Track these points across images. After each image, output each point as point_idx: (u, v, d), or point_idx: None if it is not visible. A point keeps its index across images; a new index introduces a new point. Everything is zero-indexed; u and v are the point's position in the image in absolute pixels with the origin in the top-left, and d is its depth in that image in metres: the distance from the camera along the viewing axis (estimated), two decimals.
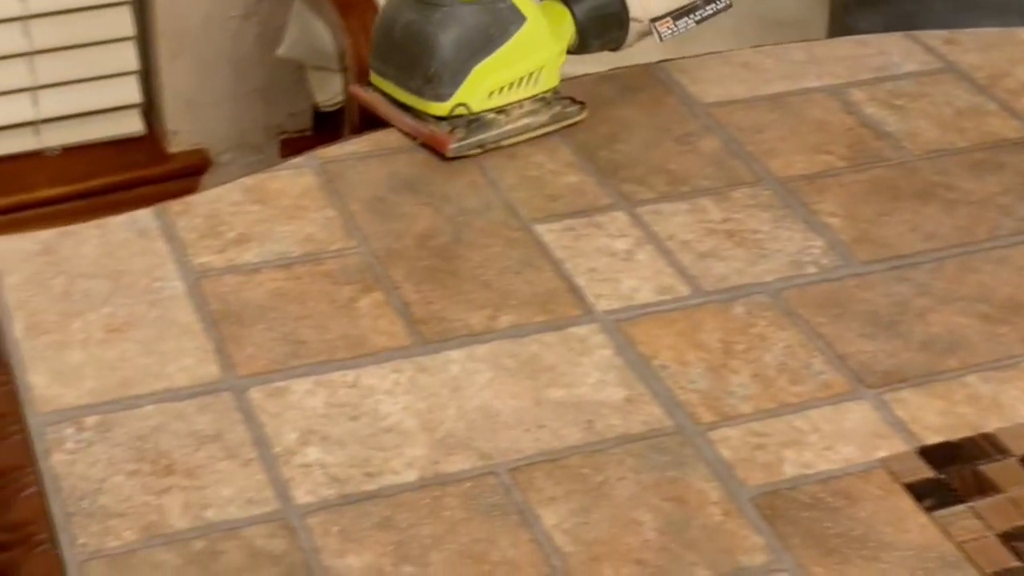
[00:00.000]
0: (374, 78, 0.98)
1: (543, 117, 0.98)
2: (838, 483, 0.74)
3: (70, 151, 1.84)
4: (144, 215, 0.91)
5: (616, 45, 1.02)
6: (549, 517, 0.72)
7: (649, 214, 0.92)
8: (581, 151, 0.97)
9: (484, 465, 0.74)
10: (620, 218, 0.91)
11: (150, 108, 1.87)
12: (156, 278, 0.85)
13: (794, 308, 0.85)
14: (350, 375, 0.79)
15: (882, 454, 0.75)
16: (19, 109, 1.80)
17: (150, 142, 1.87)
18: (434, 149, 0.95)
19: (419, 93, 0.95)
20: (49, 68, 1.79)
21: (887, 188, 0.94)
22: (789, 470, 0.74)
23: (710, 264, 0.88)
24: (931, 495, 0.73)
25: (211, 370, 0.79)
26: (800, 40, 1.12)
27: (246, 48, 1.82)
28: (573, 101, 0.99)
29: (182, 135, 1.86)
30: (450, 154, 0.95)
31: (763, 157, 0.97)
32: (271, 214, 0.91)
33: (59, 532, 0.70)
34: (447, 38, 0.94)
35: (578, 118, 0.99)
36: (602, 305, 0.84)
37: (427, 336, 0.82)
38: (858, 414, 0.78)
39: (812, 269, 0.88)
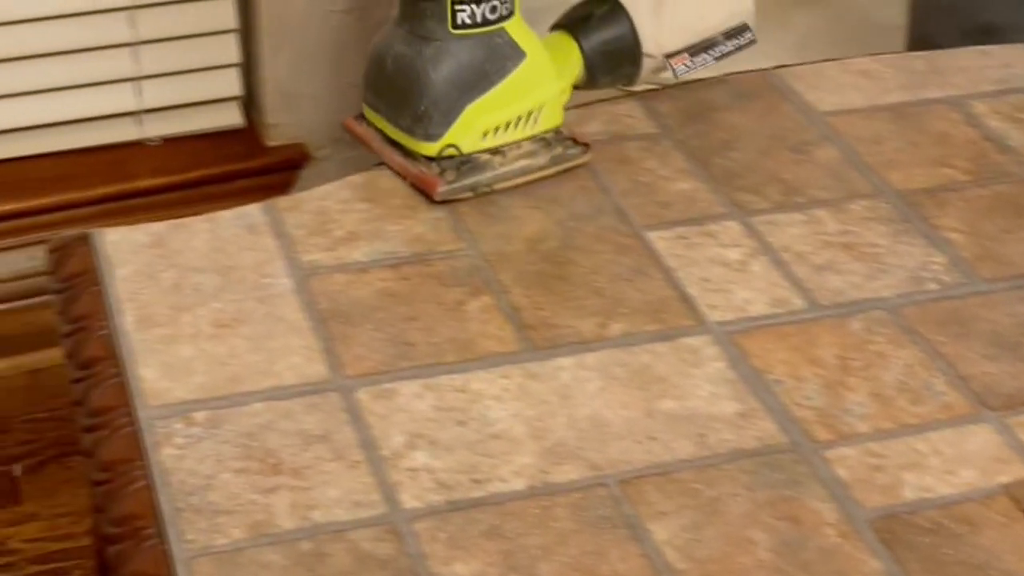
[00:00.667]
0: (367, 111, 0.94)
1: (542, 159, 0.92)
2: (959, 508, 0.72)
3: (170, 141, 1.85)
4: (253, 210, 0.90)
5: (628, 81, 0.97)
6: (660, 532, 0.70)
7: (763, 224, 0.90)
8: (694, 158, 0.95)
9: (594, 476, 0.73)
10: (733, 227, 0.89)
11: (250, 101, 1.88)
12: (265, 274, 0.85)
13: (914, 325, 0.82)
14: (458, 379, 0.78)
15: (1004, 479, 0.73)
16: (122, 99, 1.81)
17: (249, 135, 1.87)
18: (423, 191, 0.90)
19: (409, 131, 0.91)
20: (153, 59, 1.80)
21: (1010, 204, 0.92)
22: (908, 493, 0.72)
23: (826, 277, 0.86)
24: None
25: (319, 369, 0.79)
26: (874, 50, 1.10)
27: (347, 42, 1.82)
28: (575, 142, 0.93)
29: (281, 128, 1.87)
30: (438, 198, 0.89)
31: (882, 169, 0.95)
32: (380, 213, 0.90)
33: (167, 527, 0.70)
34: (439, 75, 0.89)
35: (580, 160, 0.93)
36: (715, 316, 0.83)
37: (536, 342, 0.81)
38: (980, 437, 0.75)
39: (933, 286, 0.85)
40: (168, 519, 0.70)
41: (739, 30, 0.98)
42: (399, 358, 0.79)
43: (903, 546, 0.69)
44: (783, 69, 1.04)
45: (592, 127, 0.97)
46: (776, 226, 0.90)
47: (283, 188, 1.77)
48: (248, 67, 1.85)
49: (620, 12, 0.95)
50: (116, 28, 1.79)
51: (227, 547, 0.69)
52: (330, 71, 1.84)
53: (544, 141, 0.93)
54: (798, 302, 0.84)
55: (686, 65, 0.96)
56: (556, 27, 0.96)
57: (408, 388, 0.78)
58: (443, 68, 0.89)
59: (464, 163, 0.90)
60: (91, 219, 1.70)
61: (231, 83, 1.83)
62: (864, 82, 1.03)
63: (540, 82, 0.92)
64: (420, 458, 0.74)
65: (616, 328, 0.82)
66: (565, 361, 0.80)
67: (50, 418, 1.79)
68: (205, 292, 0.83)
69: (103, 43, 1.75)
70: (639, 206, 0.91)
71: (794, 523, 0.71)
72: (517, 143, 0.92)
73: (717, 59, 0.97)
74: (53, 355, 1.92)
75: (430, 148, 0.90)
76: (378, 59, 0.92)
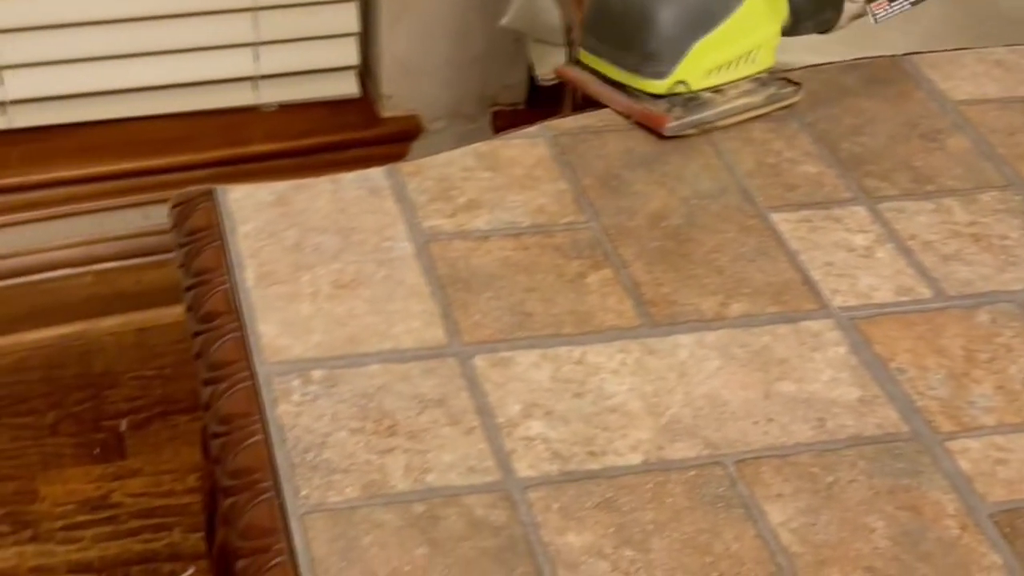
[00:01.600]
0: (584, 56, 0.96)
1: (758, 97, 0.95)
2: None
3: (286, 108, 1.87)
4: (375, 173, 0.90)
5: (827, 27, 0.98)
6: (776, 514, 0.69)
7: (891, 211, 0.88)
8: (822, 141, 0.94)
9: (710, 455, 0.72)
10: (860, 213, 0.88)
11: (366, 71, 1.89)
12: (386, 237, 0.85)
13: None
14: (576, 351, 0.78)
15: None
16: (241, 63, 1.83)
17: (364, 105, 1.88)
18: (649, 128, 0.93)
19: (636, 70, 0.93)
20: (272, 25, 1.81)
21: None
22: None
23: (954, 268, 0.84)
24: None
25: (437, 334, 0.79)
26: (1002, 42, 1.07)
27: (467, 16, 1.82)
28: (789, 82, 0.96)
29: (396, 100, 1.87)
30: (667, 133, 0.92)
31: (1015, 161, 0.93)
32: (503, 182, 0.90)
33: (282, 482, 0.70)
34: (667, 14, 0.92)
35: (793, 100, 0.96)
36: (838, 301, 0.82)
37: (656, 318, 0.80)
38: None
39: None
40: (284, 474, 0.71)
41: None
42: (517, 327, 0.79)
43: None
44: (916, 56, 1.02)
45: None
46: (904, 214, 0.88)
47: (395, 159, 1.78)
48: (366, 37, 1.86)
49: None
50: None
51: (341, 504, 0.69)
52: (449, 45, 1.84)
53: (760, 81, 0.96)
54: (924, 291, 0.82)
55: (885, 10, 0.97)
56: None
57: (526, 357, 0.77)
58: (671, 7, 0.92)
59: (690, 100, 0.93)
60: (204, 181, 1.71)
61: (349, 52, 1.84)
62: (999, 72, 1.01)
63: (759, 23, 0.95)
64: (536, 427, 0.73)
65: (737, 308, 0.81)
66: (684, 339, 0.79)
67: (157, 376, 1.81)
68: (326, 252, 0.84)
69: (224, 7, 1.77)
70: (764, 187, 0.90)
71: (913, 513, 0.69)
72: (735, 82, 0.95)
73: (913, 3, 0.98)
74: (163, 314, 1.96)
75: (660, 85, 0.93)
76: (602, 2, 0.95)
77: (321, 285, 0.82)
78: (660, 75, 0.92)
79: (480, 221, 0.87)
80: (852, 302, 0.81)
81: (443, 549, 0.67)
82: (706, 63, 0.93)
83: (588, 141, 0.94)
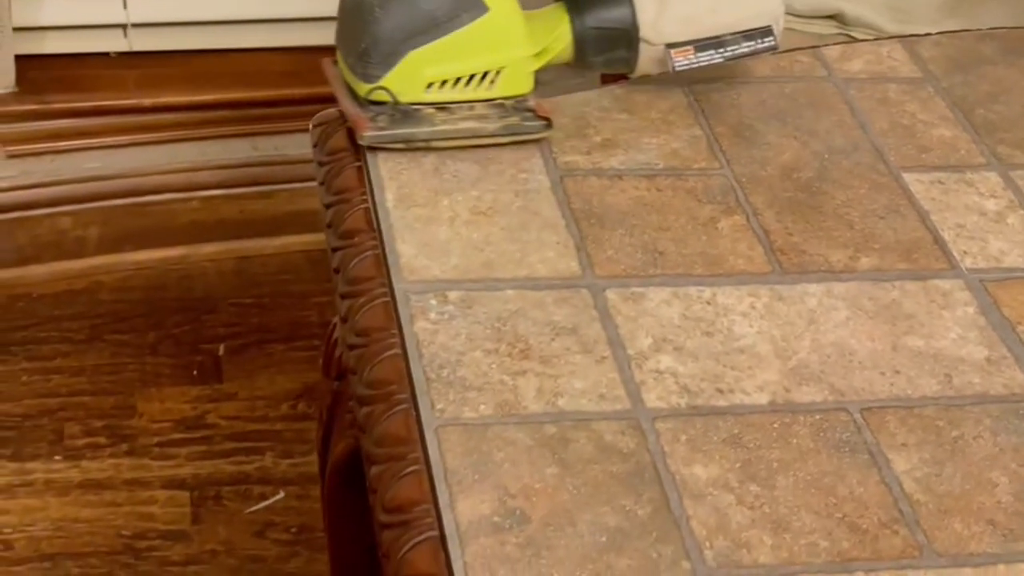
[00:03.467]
0: (337, 55, 0.90)
1: (492, 125, 0.87)
2: None
3: None
4: None
5: (626, 67, 0.91)
6: (900, 463, 0.71)
7: (1023, 179, 0.89)
8: (958, 106, 0.94)
9: (836, 401, 0.74)
10: (992, 179, 0.89)
11: None
12: (523, 170, 0.87)
13: None
14: (707, 292, 0.79)
15: None
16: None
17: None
18: (353, 129, 0.87)
19: (352, 69, 0.87)
20: None
21: None
22: None
23: None
24: None
25: (571, 265, 0.80)
26: None
27: None
28: (537, 116, 0.88)
29: None
30: (362, 142, 0.85)
31: None
32: (638, 124, 0.91)
33: (418, 395, 0.72)
34: (382, 12, 0.84)
35: (537, 136, 0.87)
36: (967, 262, 0.82)
37: (786, 266, 0.81)
38: None
39: None
40: (419, 388, 0.73)
41: (762, 33, 0.91)
42: (649, 265, 0.81)
43: None
44: None
45: (854, 65, 0.97)
46: None
47: None
48: None
49: None
50: None
51: (475, 420, 0.71)
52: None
53: (501, 107, 0.87)
54: None
55: (688, 60, 0.89)
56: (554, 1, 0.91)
57: (657, 294, 0.79)
58: (391, 7, 0.84)
59: (403, 112, 0.86)
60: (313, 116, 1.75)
61: None
62: None
63: (503, 42, 0.86)
64: (665, 361, 0.75)
65: (866, 262, 0.82)
66: (813, 288, 0.80)
67: (255, 304, 1.85)
68: (464, 180, 0.86)
69: None
70: (897, 147, 0.91)
71: None
72: (469, 103, 0.87)
73: (727, 59, 0.91)
74: (264, 244, 1.99)
75: (363, 88, 0.86)
76: None
77: (459, 211, 0.84)
78: (368, 78, 0.85)
79: (615, 160, 0.88)
80: (982, 264, 0.82)
81: (573, 470, 0.69)
82: (425, 75, 0.85)
83: (722, 91, 0.95)
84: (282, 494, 1.60)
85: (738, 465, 0.70)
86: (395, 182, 0.85)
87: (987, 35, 1.01)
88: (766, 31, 0.91)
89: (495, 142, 0.87)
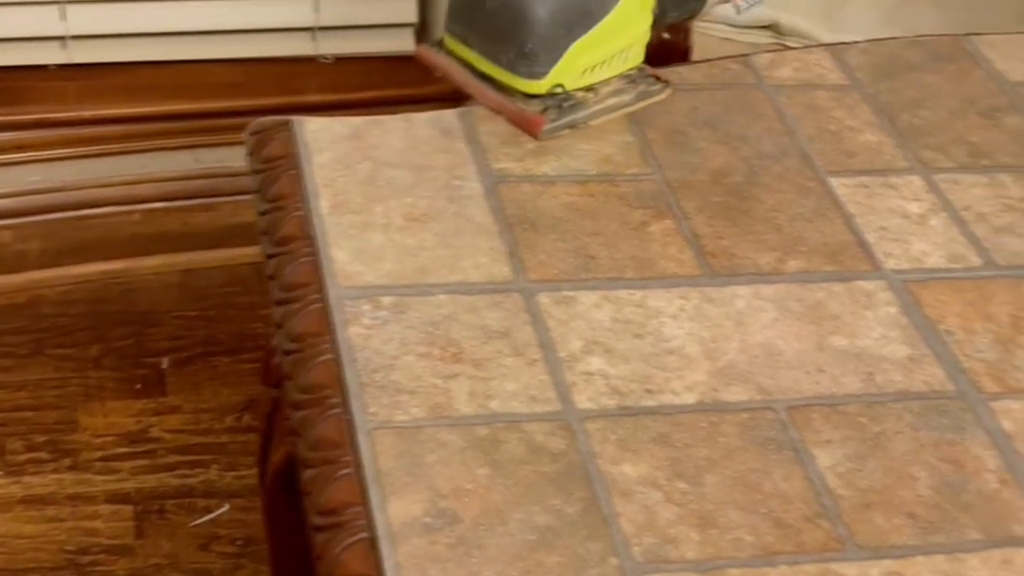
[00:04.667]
0: (451, 43, 0.92)
1: (628, 96, 0.93)
2: None
3: (342, 61, 1.89)
4: (448, 115, 0.93)
5: (691, 15, 0.96)
6: (824, 458, 0.72)
7: (946, 182, 0.91)
8: (883, 112, 0.96)
9: (762, 400, 0.75)
10: (916, 182, 0.91)
11: (423, 29, 1.91)
12: (456, 176, 0.88)
13: None
14: (637, 295, 0.81)
15: None
16: (300, 13, 1.86)
17: (419, 63, 1.91)
18: (522, 129, 0.90)
19: (511, 68, 0.89)
20: None
21: None
22: None
23: (1005, 239, 0.87)
24: None
25: (503, 270, 0.82)
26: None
27: None
28: (657, 79, 0.94)
29: None
30: (542, 137, 0.90)
31: None
32: (571, 131, 0.92)
33: (351, 399, 0.73)
34: (545, 13, 0.87)
35: (661, 96, 0.94)
36: (891, 264, 0.84)
37: (715, 269, 0.83)
38: None
39: None
40: (352, 392, 0.74)
41: None
42: (581, 269, 0.82)
43: None
44: (977, 36, 1.04)
45: (783, 73, 0.99)
46: (959, 185, 0.90)
47: None
48: None
49: None
50: None
51: (407, 423, 0.72)
52: None
53: (629, 78, 0.93)
54: (975, 259, 0.85)
55: (748, 3, 0.96)
56: None
57: (588, 297, 0.80)
58: (549, 6, 0.88)
59: (565, 100, 0.90)
60: None
61: (408, 9, 1.87)
62: None
63: (635, 19, 0.92)
64: (596, 363, 0.76)
65: (794, 264, 0.83)
66: (742, 290, 0.82)
67: (200, 317, 1.85)
68: (398, 186, 0.87)
69: None
70: (824, 152, 0.92)
71: (956, 466, 0.72)
72: (607, 80, 0.92)
73: None
74: (208, 257, 1.99)
75: (536, 86, 0.89)
76: None
77: (393, 217, 0.85)
78: (537, 75, 0.89)
79: (548, 167, 0.89)
80: (904, 265, 0.84)
81: (504, 471, 0.70)
82: (582, 63, 0.90)
83: None
84: (227, 507, 1.60)
85: (666, 463, 0.71)
86: (330, 189, 0.86)
87: (913, 42, 1.03)
88: None
89: (635, 109, 0.93)
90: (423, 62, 0.95)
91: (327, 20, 1.85)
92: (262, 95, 1.86)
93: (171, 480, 1.63)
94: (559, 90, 0.90)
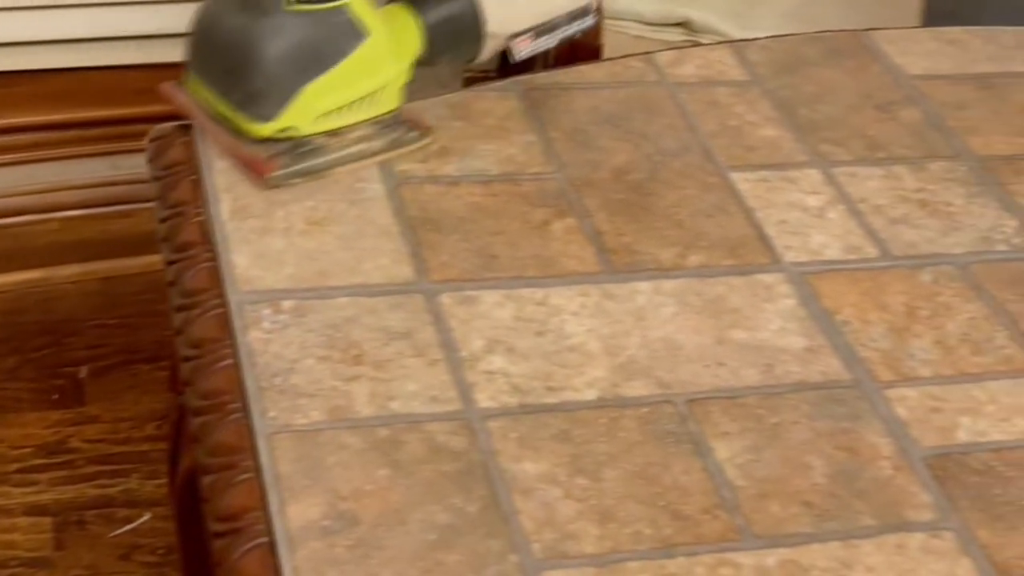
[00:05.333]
0: (191, 81, 0.88)
1: (378, 143, 0.88)
2: (1011, 454, 0.74)
3: None
4: None
5: (470, 59, 0.93)
6: (722, 450, 0.73)
7: (844, 175, 0.92)
8: (782, 107, 0.97)
9: (662, 393, 0.76)
10: (814, 176, 0.92)
11: None
12: (359, 179, 0.88)
13: (981, 282, 0.84)
14: (539, 293, 0.81)
15: None
16: None
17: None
18: (250, 174, 0.86)
19: (240, 109, 0.85)
20: None
21: None
22: (963, 436, 0.75)
23: (900, 230, 0.88)
24: None
25: (405, 271, 0.82)
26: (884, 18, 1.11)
27: None
28: (413, 126, 0.90)
29: None
30: (269, 184, 0.85)
31: (963, 133, 0.97)
32: (474, 132, 0.93)
33: (251, 404, 0.73)
34: (273, 52, 0.83)
35: (418, 144, 0.90)
36: (790, 256, 0.85)
37: (616, 265, 0.83)
38: None
39: (1003, 247, 0.87)
40: (252, 396, 0.74)
41: (582, 12, 0.94)
42: (483, 268, 0.82)
43: (954, 483, 0.72)
44: (875, 31, 1.06)
45: (685, 70, 1.00)
46: (856, 178, 0.92)
47: None
48: None
49: None
50: None
51: (307, 427, 0.72)
52: None
53: (382, 124, 0.89)
54: (871, 251, 0.86)
55: (529, 47, 0.92)
56: (392, 0, 0.91)
57: (490, 297, 0.81)
58: (279, 45, 0.83)
59: (298, 146, 0.86)
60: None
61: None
62: (953, 50, 1.05)
63: (381, 64, 0.87)
64: (497, 362, 0.77)
65: (694, 259, 0.84)
66: (643, 285, 0.82)
67: (120, 325, 1.83)
68: (300, 190, 0.87)
69: None
70: (725, 147, 0.93)
71: (851, 454, 0.73)
72: (353, 126, 0.88)
73: (558, 41, 0.94)
74: (127, 264, 1.97)
75: (263, 129, 0.85)
76: (206, 28, 0.86)
77: (294, 221, 0.84)
78: (264, 117, 0.84)
79: (450, 167, 0.90)
80: (803, 258, 0.85)
81: (404, 471, 0.70)
82: (318, 106, 0.85)
83: (557, 96, 0.97)
84: (148, 516, 1.59)
85: (566, 459, 0.72)
86: (230, 194, 0.86)
87: (812, 38, 1.04)
88: (586, 10, 0.94)
89: (385, 158, 0.88)
90: (167, 98, 0.90)
91: None
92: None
93: (90, 490, 1.61)
94: (290, 134, 0.85)
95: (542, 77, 0.97)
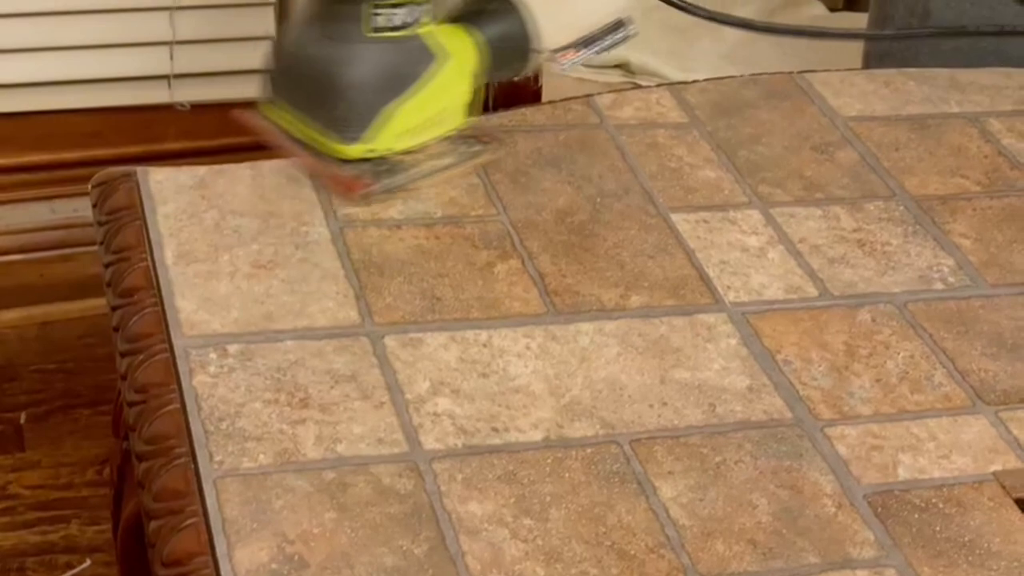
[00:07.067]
0: (267, 108, 0.93)
1: (449, 159, 0.93)
2: (951, 491, 0.75)
3: (199, 108, 1.89)
4: (295, 162, 0.94)
5: (514, 75, 0.97)
6: (667, 490, 0.74)
7: (783, 216, 0.93)
8: (721, 149, 0.99)
9: (607, 434, 0.76)
10: (754, 216, 0.93)
11: None
12: (303, 223, 0.88)
13: (919, 321, 0.86)
14: (483, 335, 0.82)
15: (995, 468, 0.77)
16: (156, 62, 1.85)
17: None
18: (339, 193, 0.90)
19: (324, 132, 0.90)
20: (188, 24, 1.84)
21: (1019, 216, 0.95)
22: (903, 473, 0.76)
23: (839, 270, 0.89)
24: None
25: (350, 314, 0.82)
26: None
27: None
28: (478, 140, 0.95)
29: None
30: (360, 203, 0.90)
31: (899, 174, 0.98)
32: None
33: (197, 448, 0.73)
34: (355, 77, 0.88)
35: (487, 157, 0.94)
36: (731, 296, 0.86)
37: (560, 307, 0.84)
38: (975, 428, 0.79)
39: (940, 286, 0.89)
40: (198, 441, 0.74)
41: (617, 25, 0.99)
42: (427, 311, 0.83)
43: (895, 520, 0.73)
44: (811, 74, 1.08)
45: (625, 112, 1.01)
46: (795, 219, 0.93)
47: None
48: None
49: (511, 7, 0.95)
50: None
51: (254, 470, 0.72)
52: None
53: (450, 140, 0.94)
54: (811, 290, 0.87)
55: (571, 60, 0.97)
56: (448, 20, 0.95)
57: (435, 339, 0.81)
58: (362, 71, 0.88)
59: (378, 164, 0.90)
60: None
61: (264, 55, 1.87)
62: (887, 92, 1.07)
63: (453, 83, 0.92)
64: (443, 404, 0.77)
65: (636, 300, 0.85)
66: (586, 326, 0.83)
67: (59, 370, 1.82)
68: (244, 234, 0.87)
69: (142, 5, 1.79)
70: (665, 189, 0.94)
71: (794, 491, 0.74)
72: (426, 143, 0.92)
73: (597, 53, 0.99)
74: (66, 308, 1.96)
75: (353, 151, 0.90)
76: (288, 59, 0.91)
77: (239, 265, 0.85)
78: (349, 140, 0.89)
79: (394, 211, 0.90)
80: (744, 298, 0.86)
81: (351, 513, 0.70)
82: (398, 127, 0.90)
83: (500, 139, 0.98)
84: (88, 562, 1.58)
85: (512, 500, 0.72)
86: (175, 239, 0.86)
87: (750, 80, 1.06)
88: (620, 23, 0.99)
89: (460, 171, 0.93)
90: (243, 125, 0.94)
91: (182, 68, 1.85)
92: (119, 144, 1.85)
93: (31, 537, 1.60)
94: (375, 154, 0.90)
95: (483, 121, 0.98)
